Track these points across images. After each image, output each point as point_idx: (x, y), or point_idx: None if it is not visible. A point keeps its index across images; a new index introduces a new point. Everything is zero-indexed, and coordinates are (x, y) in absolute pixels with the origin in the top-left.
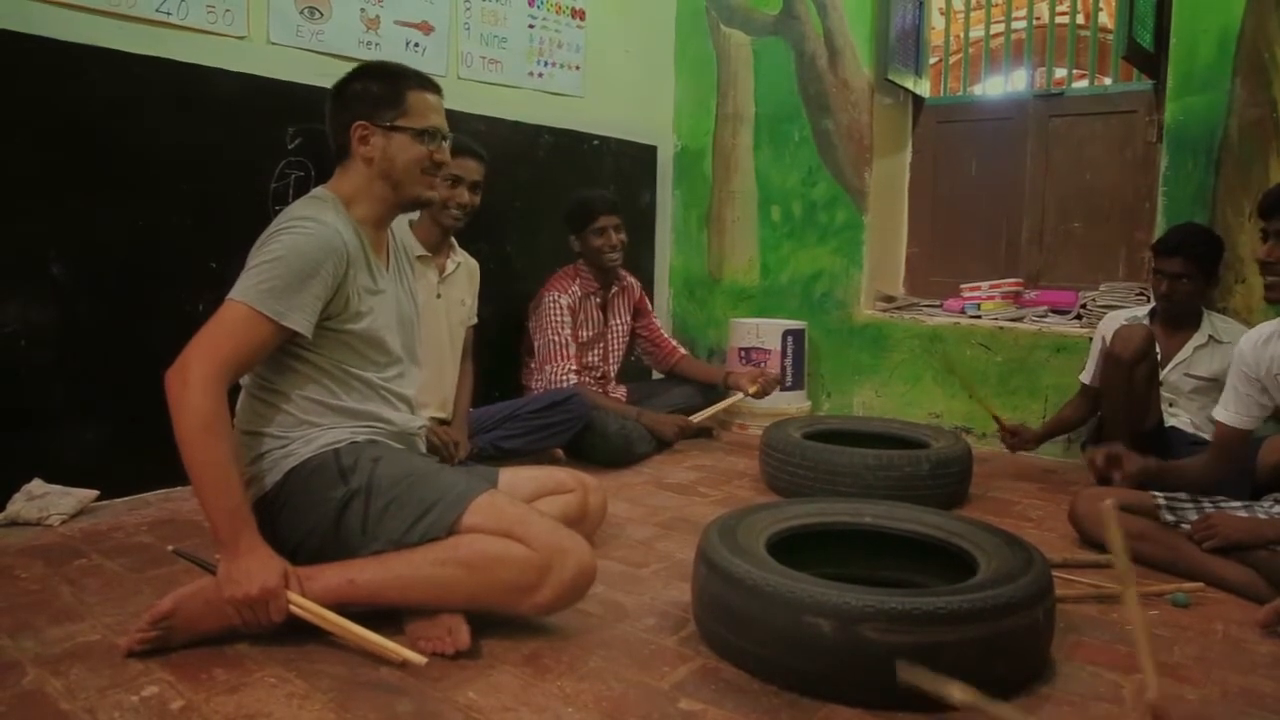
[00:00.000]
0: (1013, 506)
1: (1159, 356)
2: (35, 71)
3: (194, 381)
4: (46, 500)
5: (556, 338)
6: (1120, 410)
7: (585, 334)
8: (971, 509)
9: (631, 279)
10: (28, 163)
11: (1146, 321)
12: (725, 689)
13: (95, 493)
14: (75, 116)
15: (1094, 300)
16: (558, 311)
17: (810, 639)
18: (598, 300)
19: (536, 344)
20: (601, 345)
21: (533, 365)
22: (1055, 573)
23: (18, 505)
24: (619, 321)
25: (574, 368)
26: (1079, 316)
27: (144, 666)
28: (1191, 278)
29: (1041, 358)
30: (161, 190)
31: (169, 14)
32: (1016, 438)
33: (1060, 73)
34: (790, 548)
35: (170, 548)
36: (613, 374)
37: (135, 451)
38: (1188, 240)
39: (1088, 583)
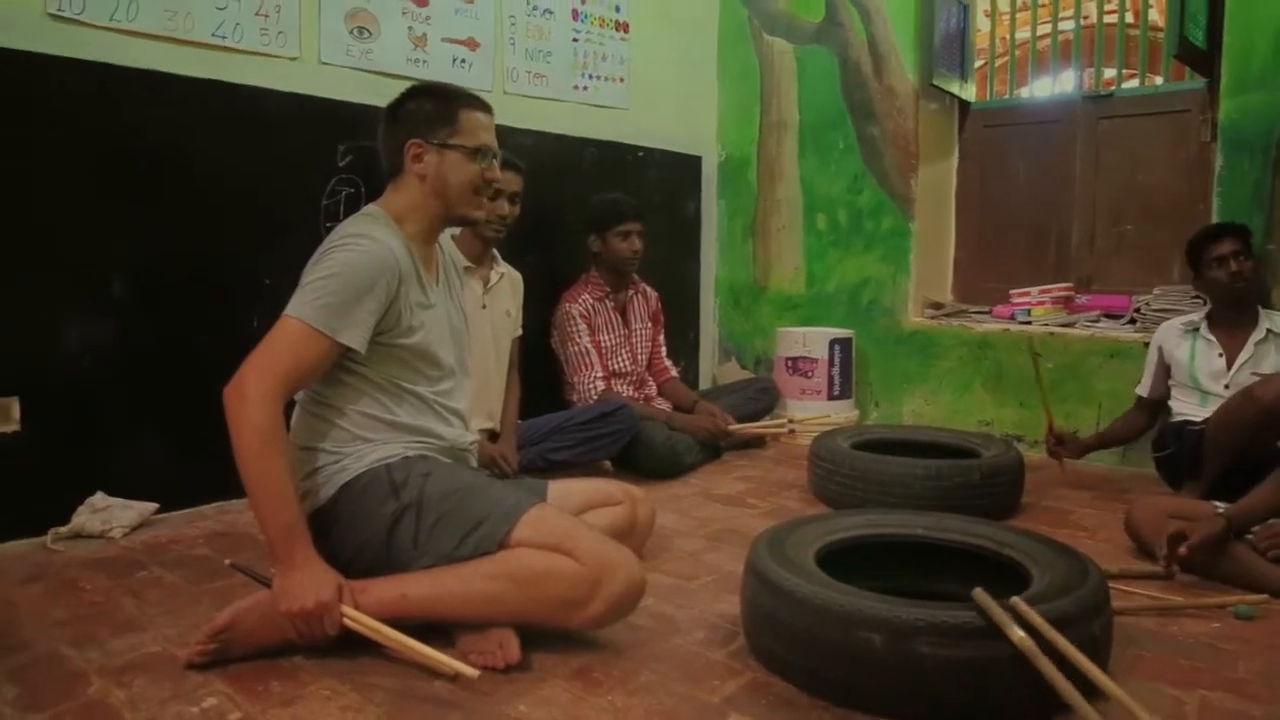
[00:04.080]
0: (1067, 516)
1: (1224, 363)
2: (94, 97)
3: (251, 397)
4: (109, 513)
5: (576, 347)
6: (1227, 450)
7: (608, 339)
8: (1024, 519)
9: (650, 289)
10: (88, 186)
11: (1203, 325)
12: (776, 703)
13: (155, 505)
14: (132, 140)
15: (1148, 304)
16: (571, 322)
17: (861, 653)
18: (612, 305)
19: (562, 358)
20: (628, 350)
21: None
22: (1112, 584)
23: (82, 518)
24: (640, 325)
25: (600, 374)
26: (1133, 321)
27: (203, 678)
28: (1246, 255)
29: (1095, 364)
30: (216, 209)
31: (224, 37)
32: (1063, 445)
33: (1109, 73)
34: (840, 560)
35: (228, 561)
36: (647, 377)
37: (193, 465)
38: (1222, 225)
39: (1146, 594)
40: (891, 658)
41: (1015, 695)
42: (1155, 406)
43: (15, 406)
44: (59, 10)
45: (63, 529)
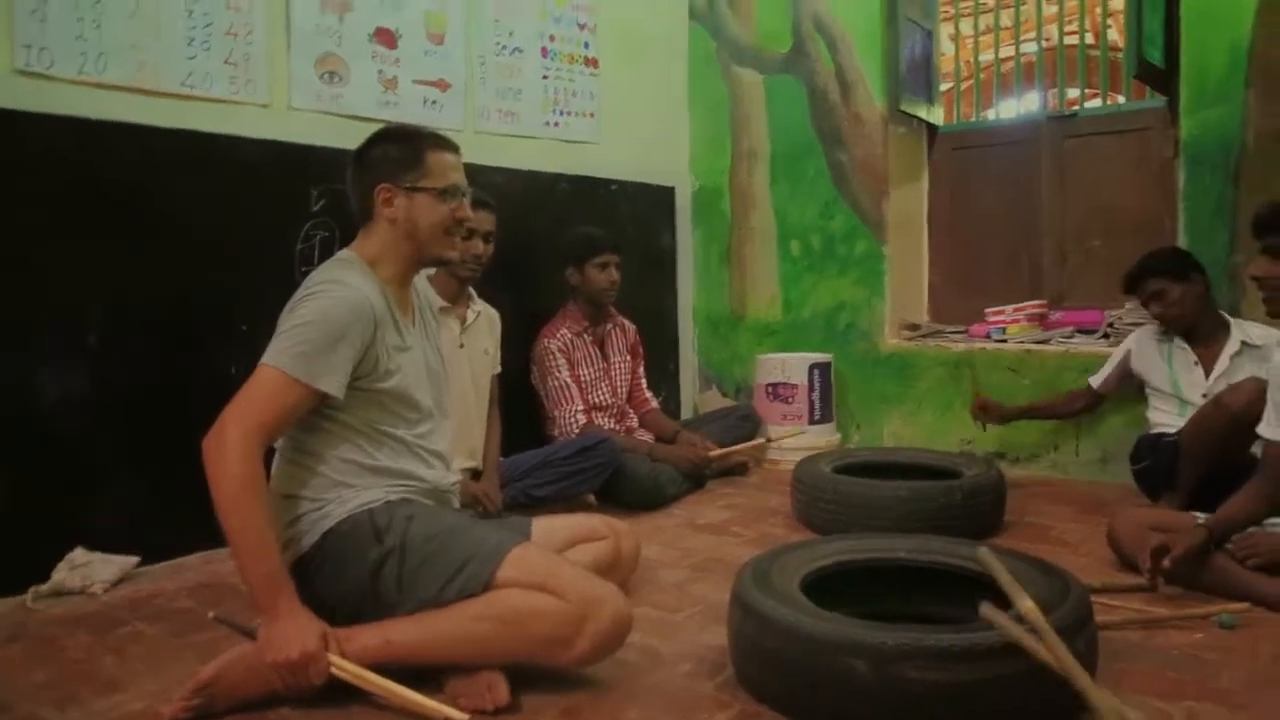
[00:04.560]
0: (1049, 531)
1: (1202, 372)
2: (65, 149)
3: (230, 447)
4: (89, 569)
5: (555, 382)
6: (1202, 460)
7: (587, 373)
8: (1007, 537)
9: (628, 322)
10: (62, 237)
11: (1178, 338)
12: None
13: (136, 559)
14: (105, 190)
15: (1120, 319)
16: (550, 357)
17: (848, 680)
18: (590, 338)
19: (542, 394)
20: (607, 383)
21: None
22: (1095, 599)
23: (61, 575)
24: (619, 358)
25: (581, 408)
26: (1106, 335)
27: None
28: (1167, 290)
29: (1070, 379)
30: (192, 257)
31: (192, 87)
32: (985, 411)
33: (1073, 93)
34: (825, 586)
35: (211, 614)
36: (628, 409)
37: (173, 516)
38: (1143, 262)
39: (1130, 608)
40: (878, 684)
41: (1003, 716)
42: (1097, 401)
43: None
44: (26, 66)
45: (43, 587)
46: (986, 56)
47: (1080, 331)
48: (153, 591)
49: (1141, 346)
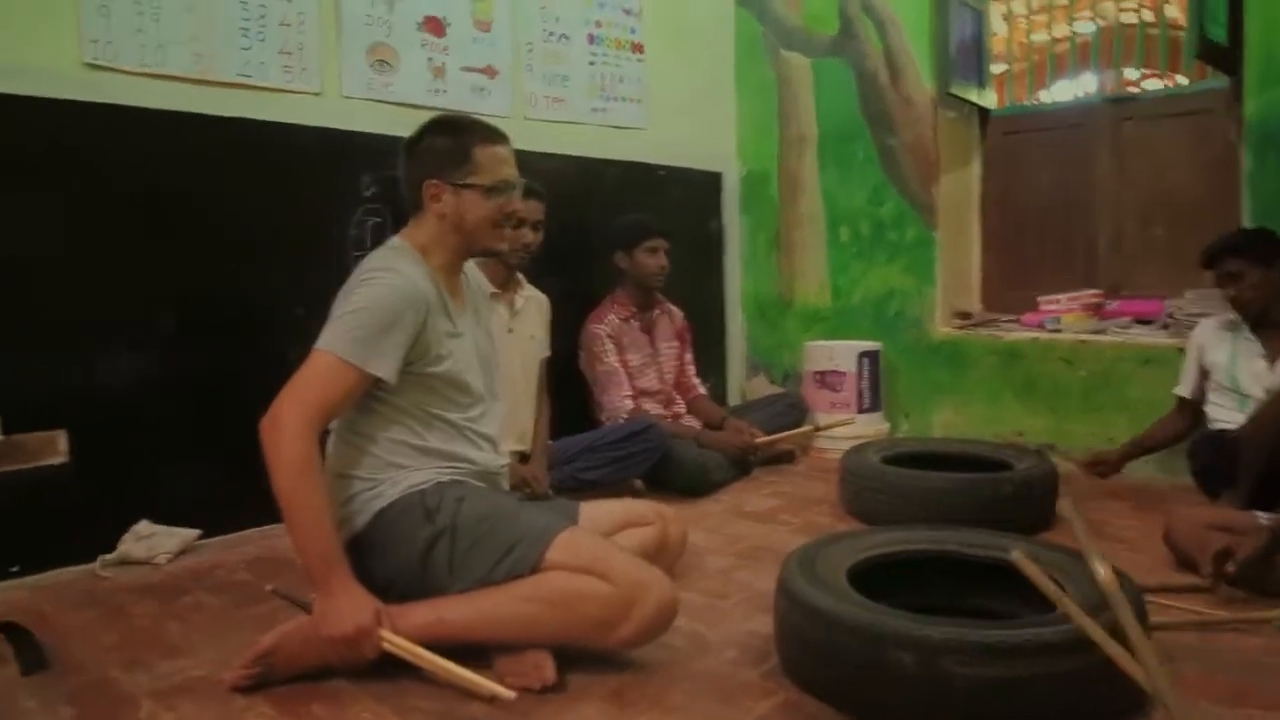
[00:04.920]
0: (1103, 528)
1: (1267, 364)
2: (130, 140)
3: (287, 430)
4: (154, 540)
5: (604, 367)
6: (1263, 456)
7: (635, 359)
8: (1059, 533)
9: (676, 309)
10: (126, 224)
11: (1244, 326)
12: None
13: (198, 532)
14: (166, 179)
15: (1181, 309)
16: (599, 343)
17: (893, 673)
18: (638, 324)
19: (590, 379)
20: (655, 369)
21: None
22: (1150, 599)
23: (128, 545)
24: (666, 344)
25: (629, 393)
26: (1166, 326)
27: (248, 701)
28: (1246, 273)
29: (1127, 370)
30: (249, 243)
31: (249, 76)
32: (1102, 466)
33: (1131, 74)
34: (871, 577)
35: (269, 587)
36: (675, 395)
37: (233, 492)
38: (1228, 239)
39: (1186, 609)
40: (923, 677)
41: (1048, 714)
42: (1195, 410)
43: (63, 439)
44: (94, 59)
45: (110, 556)
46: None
47: (1139, 322)
48: (213, 563)
49: (1209, 339)
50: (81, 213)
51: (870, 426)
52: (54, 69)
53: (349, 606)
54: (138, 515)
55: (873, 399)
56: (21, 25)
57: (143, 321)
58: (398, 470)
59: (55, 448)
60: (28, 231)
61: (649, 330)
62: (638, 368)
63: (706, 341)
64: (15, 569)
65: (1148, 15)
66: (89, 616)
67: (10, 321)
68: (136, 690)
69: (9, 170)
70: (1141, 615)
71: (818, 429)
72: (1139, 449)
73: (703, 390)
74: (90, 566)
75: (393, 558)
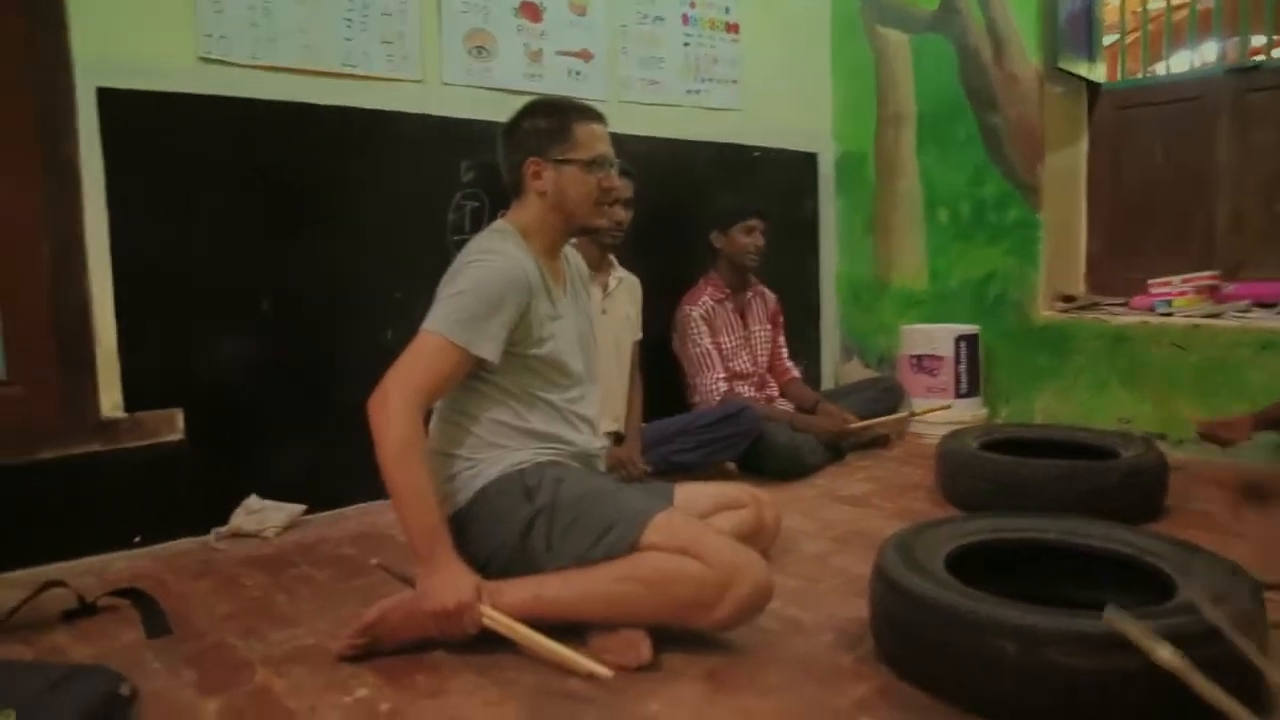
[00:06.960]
0: (1216, 519)
1: None
2: (242, 131)
3: (394, 408)
4: (263, 514)
5: (698, 349)
6: None
7: (728, 341)
8: (1169, 523)
9: (769, 291)
10: (238, 213)
11: None
12: (906, 709)
13: (303, 507)
14: (277, 169)
15: None
16: (692, 324)
17: (993, 661)
18: (732, 306)
19: (684, 361)
20: (748, 351)
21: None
22: (1269, 595)
23: (239, 519)
24: (760, 327)
25: (722, 376)
26: None
27: (354, 670)
28: None
29: (1245, 356)
30: (351, 229)
31: (354, 66)
32: (1227, 430)
33: (1258, 41)
34: (970, 565)
35: (373, 561)
36: (768, 378)
37: (336, 469)
38: None
39: None
40: (1025, 666)
41: (1153, 707)
42: None
43: (180, 417)
44: (208, 54)
45: (223, 529)
46: (1157, 3)
47: (1258, 305)
48: (319, 538)
49: None
50: (197, 202)
51: (968, 412)
52: (171, 64)
53: (451, 582)
54: (248, 490)
55: (970, 384)
56: (140, 24)
57: (254, 307)
58: (498, 449)
59: (173, 425)
60: (148, 220)
61: (742, 312)
62: (731, 350)
63: (800, 324)
64: (137, 539)
65: None
66: (205, 586)
67: (134, 306)
68: (251, 656)
69: (131, 163)
70: (1259, 611)
71: (913, 414)
72: (1269, 419)
73: (796, 373)
74: (205, 538)
75: (492, 535)
